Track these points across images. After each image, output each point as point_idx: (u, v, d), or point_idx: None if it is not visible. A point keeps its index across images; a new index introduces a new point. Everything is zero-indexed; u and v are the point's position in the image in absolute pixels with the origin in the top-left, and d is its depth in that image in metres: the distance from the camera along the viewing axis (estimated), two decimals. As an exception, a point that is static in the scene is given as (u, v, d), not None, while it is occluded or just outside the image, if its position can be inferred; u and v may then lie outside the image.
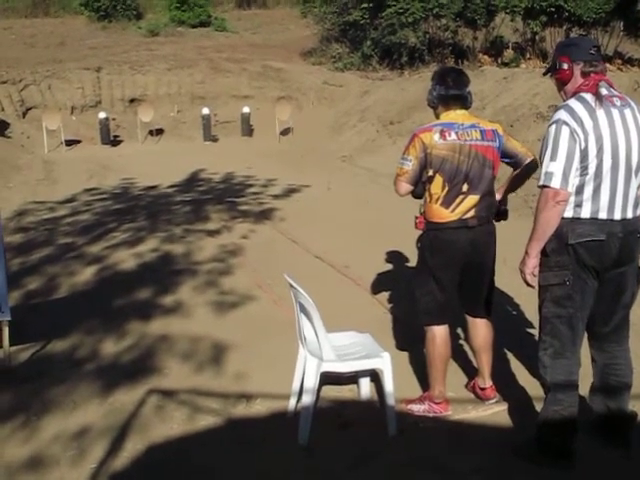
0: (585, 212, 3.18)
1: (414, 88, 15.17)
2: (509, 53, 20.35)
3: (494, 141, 3.84)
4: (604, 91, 3.20)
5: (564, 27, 19.39)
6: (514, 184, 4.06)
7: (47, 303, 6.09)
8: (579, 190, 3.17)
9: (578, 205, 3.19)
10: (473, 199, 3.78)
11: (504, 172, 4.07)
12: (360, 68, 19.27)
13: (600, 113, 3.14)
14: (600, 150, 3.12)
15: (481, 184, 3.80)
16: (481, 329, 4.07)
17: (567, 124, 3.11)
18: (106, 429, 3.89)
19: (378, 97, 16.55)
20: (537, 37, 20.14)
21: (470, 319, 4.11)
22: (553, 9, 18.67)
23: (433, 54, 19.27)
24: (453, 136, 3.76)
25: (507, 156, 3.93)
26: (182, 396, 4.26)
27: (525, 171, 3.98)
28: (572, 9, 18.47)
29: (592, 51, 3.26)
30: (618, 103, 3.21)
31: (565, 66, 3.27)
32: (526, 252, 3.30)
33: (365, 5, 18.66)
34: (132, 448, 3.71)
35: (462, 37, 20.57)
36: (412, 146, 3.80)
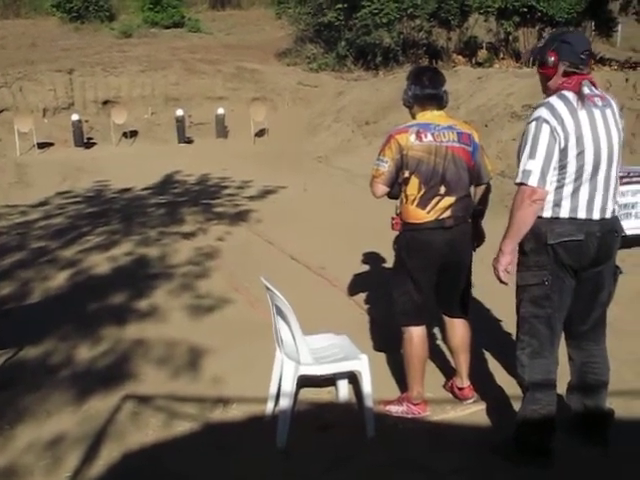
0: (564, 212, 3.17)
1: (389, 88, 15.20)
2: (483, 53, 20.47)
3: (469, 145, 3.84)
4: (586, 90, 3.17)
5: (537, 27, 19.54)
6: (481, 208, 4.08)
7: (20, 309, 5.99)
8: (558, 190, 3.16)
9: (557, 205, 3.17)
10: (449, 200, 3.78)
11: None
12: (335, 69, 19.28)
13: (582, 113, 3.11)
14: (581, 152, 3.10)
15: (458, 186, 3.80)
16: (458, 329, 4.08)
17: (547, 122, 3.08)
18: (81, 437, 3.84)
19: (353, 97, 16.56)
20: (510, 37, 20.28)
21: (447, 319, 4.12)
22: (526, 9, 18.82)
23: (407, 54, 19.34)
24: (429, 137, 3.75)
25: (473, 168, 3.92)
26: (158, 402, 4.21)
27: (483, 197, 4.03)
28: (544, 9, 18.62)
29: (583, 56, 3.19)
30: (600, 103, 3.18)
31: (551, 62, 3.21)
32: (500, 249, 3.28)
33: (340, 6, 18.65)
34: (108, 456, 3.66)
35: (436, 37, 20.67)
36: (388, 147, 3.78)
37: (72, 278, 6.83)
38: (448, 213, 3.78)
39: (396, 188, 3.87)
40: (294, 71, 19.49)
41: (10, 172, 13.31)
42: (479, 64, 19.17)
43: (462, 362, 4.10)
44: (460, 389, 4.14)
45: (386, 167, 3.78)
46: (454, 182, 3.78)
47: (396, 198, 3.94)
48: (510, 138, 9.79)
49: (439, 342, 4.82)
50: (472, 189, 4.01)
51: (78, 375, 4.64)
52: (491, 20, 20.32)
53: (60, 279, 6.78)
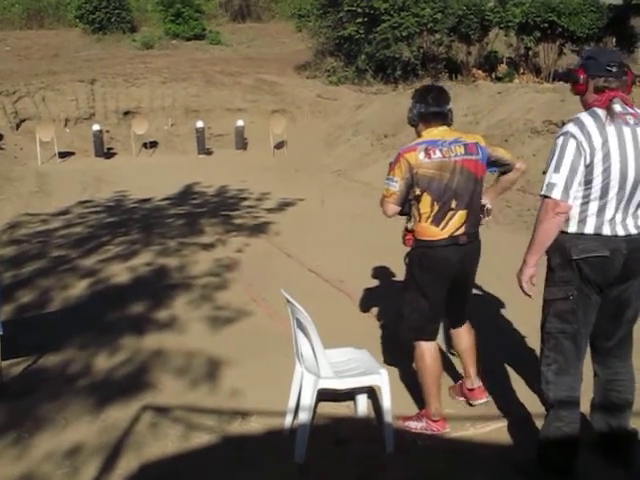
0: (589, 228, 3.18)
1: (408, 102, 15.12)
2: (503, 68, 20.41)
3: (477, 154, 3.83)
4: (618, 108, 3.15)
5: (557, 42, 19.48)
6: (503, 187, 4.16)
7: (39, 317, 6.02)
8: (584, 206, 3.17)
9: (582, 221, 3.18)
10: (462, 215, 3.79)
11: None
12: (354, 82, 19.29)
13: (610, 130, 3.11)
14: (607, 168, 3.10)
15: (468, 198, 3.81)
16: (464, 334, 4.17)
17: (575, 137, 3.10)
18: (99, 447, 3.84)
19: (372, 111, 16.57)
20: (531, 52, 20.21)
21: (452, 329, 4.20)
22: (547, 25, 18.76)
23: (427, 68, 19.32)
24: (438, 154, 3.75)
25: (497, 165, 3.97)
26: (177, 413, 4.20)
27: (514, 176, 4.07)
28: (566, 25, 18.56)
29: (609, 67, 3.18)
30: (632, 121, 3.16)
31: (580, 80, 3.25)
32: (524, 261, 3.29)
33: (360, 20, 18.70)
34: (126, 466, 3.65)
35: (456, 52, 20.63)
36: (397, 167, 3.78)
37: (92, 287, 6.87)
38: (462, 230, 3.80)
39: (406, 206, 3.88)
40: (313, 84, 19.54)
41: (31, 181, 13.44)
42: (499, 79, 19.11)
43: (470, 363, 4.16)
44: (470, 390, 4.18)
45: (397, 187, 3.77)
46: (466, 195, 3.79)
47: (406, 215, 3.95)
48: (531, 153, 9.73)
49: (449, 357, 4.79)
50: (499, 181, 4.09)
51: (97, 384, 4.66)
52: (511, 35, 20.27)
53: (80, 288, 6.82)
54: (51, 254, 8.17)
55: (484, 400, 4.15)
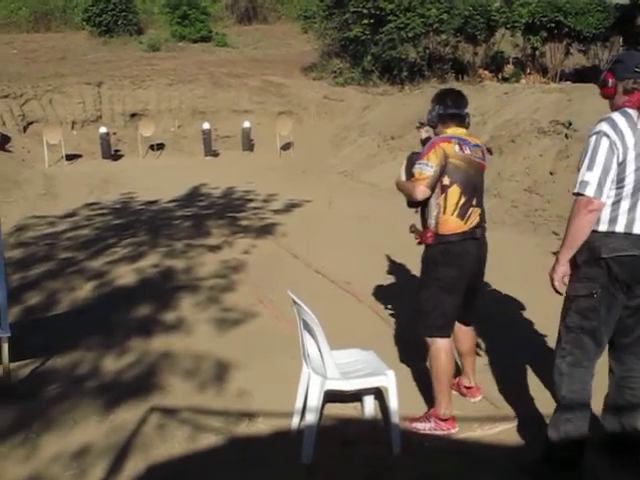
0: (619, 227, 3.20)
1: (415, 103, 15.17)
2: (509, 68, 20.42)
3: (485, 160, 4.11)
4: None
5: (564, 42, 19.46)
6: None
7: (47, 319, 6.04)
8: (615, 204, 3.19)
9: (613, 219, 3.20)
10: (478, 211, 3.96)
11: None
12: (360, 83, 19.32)
13: None
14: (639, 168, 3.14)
15: (482, 198, 4.04)
16: (469, 335, 4.28)
17: (607, 136, 3.15)
18: (107, 448, 3.84)
19: (379, 112, 16.57)
20: (537, 52, 20.20)
21: (459, 326, 4.22)
22: (553, 25, 18.77)
23: (433, 69, 19.33)
24: (468, 151, 3.93)
25: None
26: (184, 414, 4.21)
27: None
28: (572, 24, 18.56)
29: (637, 68, 3.23)
30: None
31: (609, 83, 3.30)
32: (556, 259, 3.32)
33: (366, 21, 18.73)
34: (133, 467, 3.66)
35: (462, 52, 20.65)
36: (433, 153, 3.87)
37: (99, 289, 6.88)
38: (477, 224, 3.94)
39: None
40: (320, 85, 19.56)
41: (39, 183, 13.48)
42: (505, 79, 19.11)
43: (470, 364, 4.33)
44: (468, 388, 4.33)
45: (431, 171, 3.85)
46: (481, 193, 4.02)
47: (414, 207, 4.05)
48: (537, 154, 9.69)
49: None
50: None
51: (104, 386, 4.66)
52: (518, 35, 20.29)
53: (87, 290, 6.83)
54: (58, 256, 8.19)
55: (479, 398, 4.31)
